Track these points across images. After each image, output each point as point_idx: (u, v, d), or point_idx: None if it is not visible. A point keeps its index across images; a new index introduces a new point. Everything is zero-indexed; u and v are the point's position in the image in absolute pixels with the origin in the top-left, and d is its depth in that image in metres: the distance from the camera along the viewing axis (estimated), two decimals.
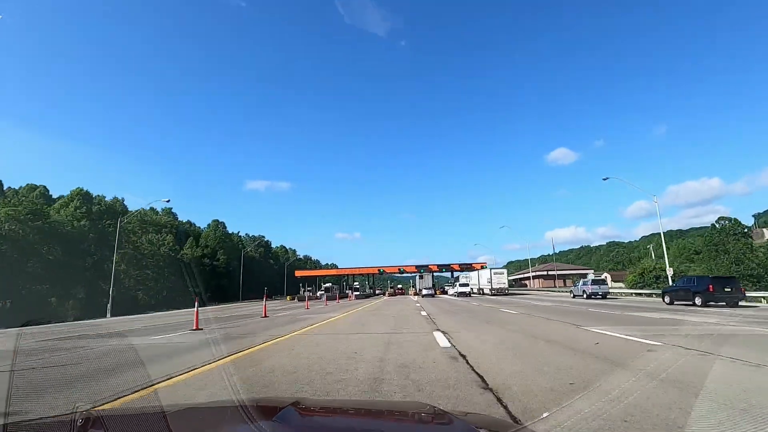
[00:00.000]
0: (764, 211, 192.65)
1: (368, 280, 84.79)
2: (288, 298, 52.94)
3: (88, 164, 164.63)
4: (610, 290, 34.37)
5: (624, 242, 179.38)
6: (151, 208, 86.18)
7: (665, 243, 34.71)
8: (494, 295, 49.26)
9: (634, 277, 36.82)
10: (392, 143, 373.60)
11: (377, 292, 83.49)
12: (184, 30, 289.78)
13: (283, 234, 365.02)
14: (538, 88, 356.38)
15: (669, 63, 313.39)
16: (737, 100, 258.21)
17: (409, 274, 77.90)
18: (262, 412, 1.57)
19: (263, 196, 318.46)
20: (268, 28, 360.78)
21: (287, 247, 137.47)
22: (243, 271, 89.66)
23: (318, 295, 47.34)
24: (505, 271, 52.46)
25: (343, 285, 65.48)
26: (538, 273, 65.59)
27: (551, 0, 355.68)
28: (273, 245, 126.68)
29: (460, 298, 40.89)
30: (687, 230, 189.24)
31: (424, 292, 46.64)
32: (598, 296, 29.51)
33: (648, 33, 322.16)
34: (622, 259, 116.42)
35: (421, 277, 61.98)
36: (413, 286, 76.06)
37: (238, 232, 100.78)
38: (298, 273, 74.39)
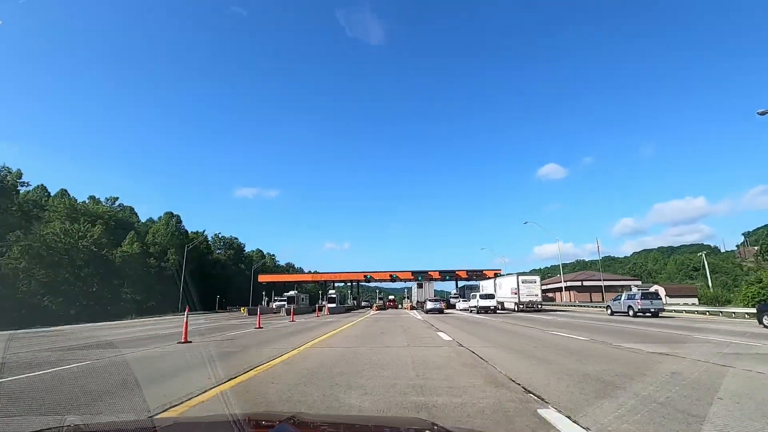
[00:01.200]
0: (754, 230, 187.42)
1: (351, 290, 69.40)
2: (242, 309, 38.47)
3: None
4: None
5: (619, 257, 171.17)
6: (91, 197, 71.41)
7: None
8: (523, 310, 36.22)
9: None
10: (384, 150, 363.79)
11: (363, 303, 68.63)
12: (185, 35, 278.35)
13: (270, 244, 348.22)
14: (531, 99, 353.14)
15: (659, 78, 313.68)
16: (726, 117, 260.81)
17: (403, 283, 63.76)
18: (256, 428, 1.59)
19: (252, 204, 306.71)
20: (266, 33, 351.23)
21: (265, 252, 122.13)
22: (205, 277, 74.45)
23: (274, 307, 33.18)
24: (537, 278, 39.48)
25: (320, 294, 51.05)
26: (572, 283, 51.64)
27: (544, 19, 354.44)
28: (247, 249, 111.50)
29: (484, 316, 27.28)
30: (678, 247, 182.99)
31: (429, 305, 32.72)
32: (647, 314, 24.39)
33: (642, 41, 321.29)
34: (640, 273, 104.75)
35: (419, 286, 48.09)
36: (408, 298, 61.59)
37: (203, 231, 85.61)
38: (261, 278, 59.58)
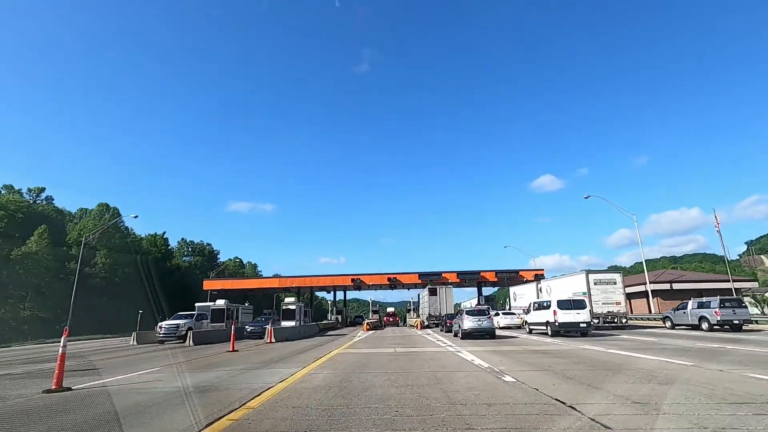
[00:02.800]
0: (757, 238, 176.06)
1: (335, 301, 53.33)
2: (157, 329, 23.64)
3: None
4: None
5: (626, 267, 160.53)
6: (7, 186, 56.61)
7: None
8: (598, 327, 22.27)
9: None
10: (381, 160, 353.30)
11: (358, 318, 53.17)
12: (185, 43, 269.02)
13: (264, 259, 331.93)
14: (526, 111, 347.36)
15: (652, 90, 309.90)
16: (718, 128, 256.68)
17: (407, 290, 48.88)
18: None
19: (246, 218, 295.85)
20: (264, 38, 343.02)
21: (244, 261, 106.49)
22: (157, 286, 59.47)
23: (161, 331, 18.11)
24: (618, 277, 25.64)
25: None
26: (655, 286, 35.23)
27: (539, 31, 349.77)
28: (222, 257, 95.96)
29: (597, 349, 12.82)
30: (680, 257, 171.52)
31: (469, 322, 17.39)
32: (725, 327, 19.45)
33: (637, 53, 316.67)
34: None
35: (432, 293, 33.44)
36: (415, 311, 46.50)
37: (164, 233, 70.61)
38: (207, 284, 44.51)
